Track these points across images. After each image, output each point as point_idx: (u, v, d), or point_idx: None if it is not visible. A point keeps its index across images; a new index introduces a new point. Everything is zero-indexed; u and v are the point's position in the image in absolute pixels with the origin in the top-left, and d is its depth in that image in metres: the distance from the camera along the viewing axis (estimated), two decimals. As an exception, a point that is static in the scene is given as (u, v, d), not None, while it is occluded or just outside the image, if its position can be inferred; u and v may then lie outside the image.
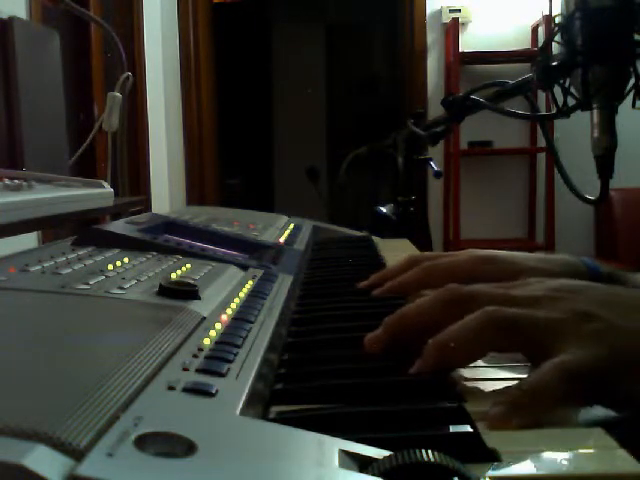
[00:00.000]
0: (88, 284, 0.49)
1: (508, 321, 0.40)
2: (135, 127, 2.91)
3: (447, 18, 3.63)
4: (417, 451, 0.26)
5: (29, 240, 1.57)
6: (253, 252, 0.76)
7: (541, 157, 3.66)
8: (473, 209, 3.67)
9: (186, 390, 0.31)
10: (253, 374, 0.36)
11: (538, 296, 0.43)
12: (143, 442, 0.24)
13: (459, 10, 3.62)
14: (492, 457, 0.30)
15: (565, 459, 0.30)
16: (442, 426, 0.33)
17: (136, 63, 2.92)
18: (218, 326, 0.43)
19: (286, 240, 0.91)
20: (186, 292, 0.49)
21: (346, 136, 5.12)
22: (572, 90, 0.81)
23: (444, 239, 3.71)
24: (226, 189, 4.55)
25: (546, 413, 0.34)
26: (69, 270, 0.53)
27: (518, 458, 0.30)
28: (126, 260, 0.60)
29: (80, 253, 0.61)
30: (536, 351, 0.39)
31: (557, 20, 0.82)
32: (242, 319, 0.46)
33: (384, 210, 1.54)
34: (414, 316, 0.45)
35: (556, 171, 1.00)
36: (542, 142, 3.55)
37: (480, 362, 0.43)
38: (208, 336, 0.40)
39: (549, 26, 2.92)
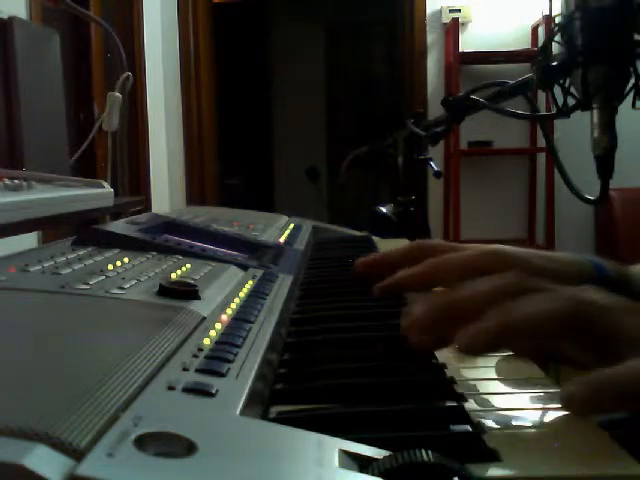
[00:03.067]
0: (88, 284, 0.49)
1: (599, 311, 0.35)
2: (135, 127, 2.91)
3: (447, 18, 3.63)
4: (417, 451, 0.26)
5: (29, 240, 1.57)
6: (253, 252, 0.76)
7: (541, 157, 3.66)
8: (473, 209, 3.67)
9: (186, 390, 0.31)
10: (253, 374, 0.36)
11: (610, 303, 0.38)
12: (143, 442, 0.24)
13: (459, 10, 3.62)
14: (492, 457, 0.30)
15: (566, 460, 0.30)
16: (442, 426, 0.33)
17: (136, 63, 2.92)
18: (218, 326, 0.43)
19: (286, 240, 0.91)
20: (186, 292, 0.49)
21: (346, 136, 5.12)
22: (572, 90, 0.81)
23: (444, 239, 3.71)
24: (226, 189, 4.55)
25: (624, 410, 0.31)
26: (69, 270, 0.53)
27: (518, 459, 0.30)
28: (126, 260, 0.60)
29: (80, 253, 0.61)
30: (606, 353, 0.34)
31: (557, 20, 0.82)
32: (242, 319, 0.46)
33: (384, 210, 1.54)
34: (469, 302, 0.39)
35: (556, 171, 1.00)
36: (542, 142, 3.55)
37: (479, 362, 0.43)
38: (208, 336, 0.40)
39: (549, 26, 2.92)
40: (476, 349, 0.35)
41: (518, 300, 0.35)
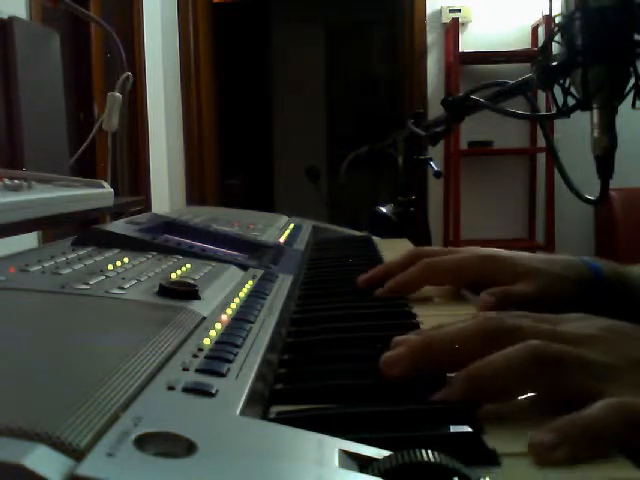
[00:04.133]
0: (88, 284, 0.49)
1: (555, 358, 0.36)
2: (135, 127, 2.91)
3: (447, 18, 3.63)
4: (417, 451, 0.26)
5: (29, 240, 1.57)
6: (253, 252, 0.76)
7: (541, 157, 3.66)
8: (473, 209, 3.67)
9: (186, 390, 0.31)
10: (253, 374, 0.36)
11: (588, 335, 0.39)
12: (143, 442, 0.24)
13: (459, 10, 3.62)
14: (492, 457, 0.30)
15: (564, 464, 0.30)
16: (442, 426, 0.33)
17: (136, 63, 2.92)
18: (218, 326, 0.43)
19: (286, 240, 0.91)
20: (186, 292, 0.49)
21: (346, 136, 5.12)
22: (572, 90, 0.81)
23: (444, 239, 3.71)
24: (226, 189, 4.55)
25: (597, 453, 0.30)
26: (69, 270, 0.53)
27: (519, 462, 0.30)
28: (126, 260, 0.60)
29: (80, 253, 0.61)
30: (580, 396, 0.34)
31: (557, 20, 0.82)
32: (242, 319, 0.46)
33: (384, 210, 1.54)
34: (447, 343, 0.40)
35: (556, 171, 1.00)
36: (542, 142, 3.55)
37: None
38: (208, 336, 0.40)
39: (549, 26, 2.92)
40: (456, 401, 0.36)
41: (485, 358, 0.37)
